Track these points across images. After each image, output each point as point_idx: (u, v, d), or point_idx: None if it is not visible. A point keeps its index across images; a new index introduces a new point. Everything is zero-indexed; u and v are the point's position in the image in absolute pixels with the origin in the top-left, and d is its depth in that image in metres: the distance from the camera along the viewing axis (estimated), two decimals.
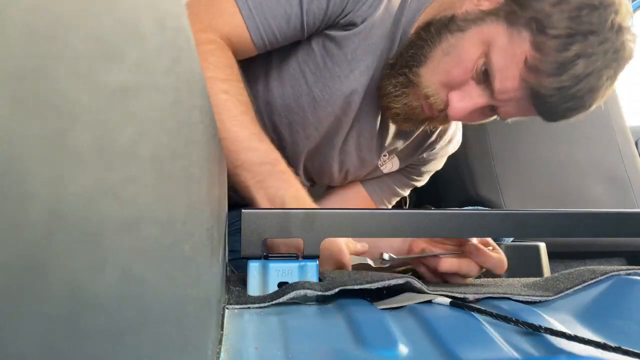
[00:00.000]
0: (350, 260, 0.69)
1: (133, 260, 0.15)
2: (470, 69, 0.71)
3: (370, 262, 0.71)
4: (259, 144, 0.69)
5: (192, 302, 0.24)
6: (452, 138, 1.02)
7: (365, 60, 0.80)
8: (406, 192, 1.05)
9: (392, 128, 0.89)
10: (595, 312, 0.44)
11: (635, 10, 1.98)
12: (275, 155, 0.69)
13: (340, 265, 0.67)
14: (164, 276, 0.18)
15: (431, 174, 1.04)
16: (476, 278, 0.63)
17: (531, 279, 0.56)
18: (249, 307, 0.44)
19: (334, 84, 0.81)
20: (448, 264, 0.61)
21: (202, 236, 0.27)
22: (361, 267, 0.70)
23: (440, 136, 0.98)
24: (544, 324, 0.37)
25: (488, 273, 0.65)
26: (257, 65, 0.82)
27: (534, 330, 0.37)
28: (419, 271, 0.66)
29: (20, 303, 0.10)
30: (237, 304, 0.44)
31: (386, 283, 0.45)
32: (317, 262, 0.49)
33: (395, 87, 0.78)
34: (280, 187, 0.66)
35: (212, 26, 0.74)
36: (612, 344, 0.33)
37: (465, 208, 0.72)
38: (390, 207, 1.03)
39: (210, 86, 0.68)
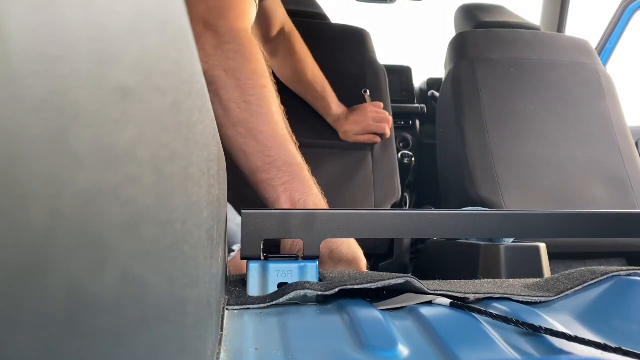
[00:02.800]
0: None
1: (133, 260, 0.15)
2: None
3: None
4: (290, 145, 0.70)
5: (192, 302, 0.24)
6: None
7: None
8: None
9: None
10: (595, 312, 0.44)
11: (635, 10, 1.98)
12: (301, 159, 0.70)
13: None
14: (163, 276, 0.18)
15: None
16: (476, 279, 0.63)
17: (531, 280, 0.56)
18: (249, 308, 0.44)
19: None
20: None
21: (202, 236, 0.27)
22: None
23: None
24: (545, 325, 0.37)
25: (488, 274, 0.65)
26: None
27: (534, 331, 0.37)
28: None
29: (20, 303, 0.10)
30: (237, 304, 0.44)
31: (386, 283, 0.45)
32: (317, 263, 0.49)
33: None
34: (304, 192, 0.67)
35: (236, 13, 0.73)
36: (613, 345, 0.33)
37: (465, 208, 0.72)
38: None
39: (254, 79, 0.69)
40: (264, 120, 0.68)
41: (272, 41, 1.31)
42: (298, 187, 0.67)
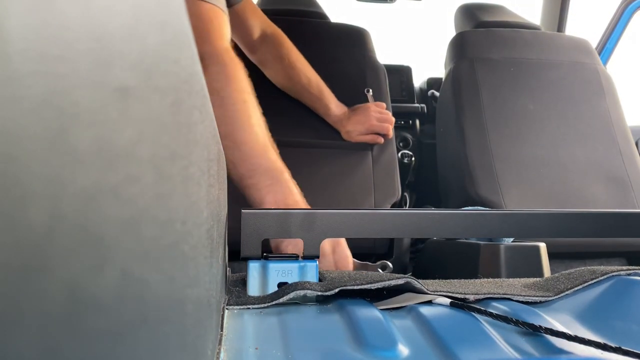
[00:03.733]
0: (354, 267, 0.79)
1: (133, 260, 0.15)
2: None
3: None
4: (270, 152, 0.80)
5: (192, 302, 0.24)
6: None
7: None
8: None
9: None
10: (595, 312, 0.44)
11: (634, 10, 1.98)
12: (281, 164, 0.80)
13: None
14: (163, 276, 0.18)
15: None
16: (476, 278, 0.63)
17: (531, 279, 0.56)
18: (249, 308, 0.44)
19: None
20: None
21: (202, 236, 0.27)
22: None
23: None
24: (544, 325, 0.37)
25: (488, 273, 0.65)
26: None
27: (534, 331, 0.37)
28: None
29: (20, 303, 0.10)
30: (237, 304, 0.44)
31: (386, 283, 0.45)
32: (317, 263, 0.49)
33: None
34: (287, 193, 0.77)
35: (216, 35, 0.82)
36: (613, 345, 0.33)
37: (465, 208, 0.72)
38: None
39: (235, 96, 0.79)
40: (246, 133, 0.78)
41: (258, 49, 1.31)
42: (280, 189, 0.77)
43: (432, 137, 1.78)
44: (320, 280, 0.49)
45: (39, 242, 0.11)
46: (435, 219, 0.52)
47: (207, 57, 0.79)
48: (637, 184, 1.46)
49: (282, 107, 1.35)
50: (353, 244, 0.82)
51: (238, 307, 0.44)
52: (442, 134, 1.63)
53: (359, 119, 1.34)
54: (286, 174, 0.79)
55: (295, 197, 0.77)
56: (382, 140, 1.37)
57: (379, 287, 0.45)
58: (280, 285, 0.48)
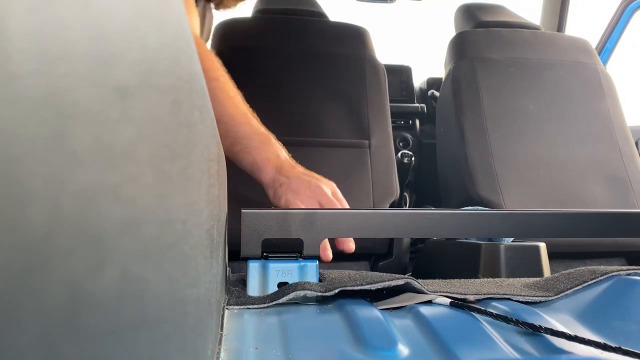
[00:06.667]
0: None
1: (133, 260, 0.15)
2: None
3: None
4: (252, 120, 0.83)
5: (192, 302, 0.24)
6: None
7: None
8: None
9: None
10: (595, 312, 0.44)
11: (634, 10, 1.98)
12: (265, 130, 0.83)
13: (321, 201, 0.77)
14: (163, 276, 0.18)
15: None
16: (476, 278, 0.63)
17: (531, 279, 0.56)
18: (249, 308, 0.44)
19: None
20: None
21: (202, 236, 0.27)
22: None
23: None
24: (544, 324, 0.37)
25: (488, 273, 0.65)
26: None
27: (534, 331, 0.37)
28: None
29: (20, 303, 0.10)
30: (236, 304, 0.44)
31: (386, 284, 0.45)
32: (317, 263, 0.49)
33: None
34: (277, 152, 0.80)
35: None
36: (613, 345, 0.33)
37: (465, 208, 0.72)
38: None
39: (208, 75, 0.81)
40: (225, 106, 0.81)
41: None
42: (269, 148, 0.80)
43: (432, 137, 1.79)
44: (320, 280, 0.49)
45: (39, 242, 0.11)
46: (435, 219, 0.52)
47: None
48: (637, 184, 1.46)
49: (279, 107, 1.35)
50: None
51: (238, 307, 0.44)
52: (442, 134, 1.63)
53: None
54: (272, 138, 0.82)
55: (284, 155, 0.81)
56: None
57: (379, 287, 0.45)
58: (280, 285, 0.48)
